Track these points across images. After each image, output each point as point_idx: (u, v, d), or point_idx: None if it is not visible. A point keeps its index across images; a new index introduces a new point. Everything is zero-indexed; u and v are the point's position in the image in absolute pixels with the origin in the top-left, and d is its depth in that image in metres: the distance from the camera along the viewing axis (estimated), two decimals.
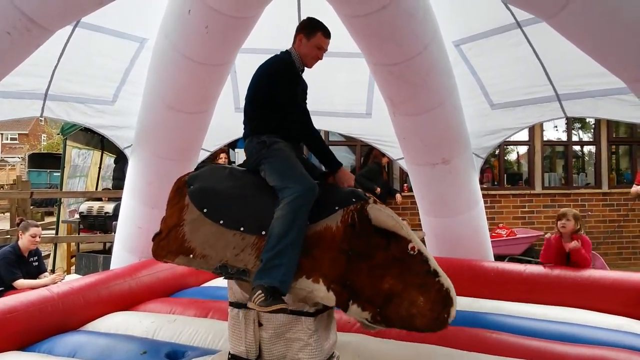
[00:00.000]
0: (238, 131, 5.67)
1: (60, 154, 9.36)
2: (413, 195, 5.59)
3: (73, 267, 7.74)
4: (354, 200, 2.69)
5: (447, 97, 4.59)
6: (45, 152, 28.09)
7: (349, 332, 3.48)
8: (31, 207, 12.03)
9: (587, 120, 9.25)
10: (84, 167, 9.65)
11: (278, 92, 2.93)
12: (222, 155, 6.62)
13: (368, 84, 5.59)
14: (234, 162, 7.92)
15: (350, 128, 6.21)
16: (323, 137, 8.92)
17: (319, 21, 3.10)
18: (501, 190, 8.84)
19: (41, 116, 4.87)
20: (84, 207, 7.80)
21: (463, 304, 4.16)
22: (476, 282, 4.51)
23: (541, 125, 8.70)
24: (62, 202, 8.92)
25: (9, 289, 4.61)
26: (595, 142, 9.17)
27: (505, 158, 9.47)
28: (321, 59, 3.15)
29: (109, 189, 8.97)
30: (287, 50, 3.12)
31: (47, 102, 4.76)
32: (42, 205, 17.18)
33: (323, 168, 3.19)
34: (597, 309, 3.93)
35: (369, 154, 8.28)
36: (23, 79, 4.42)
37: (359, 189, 2.83)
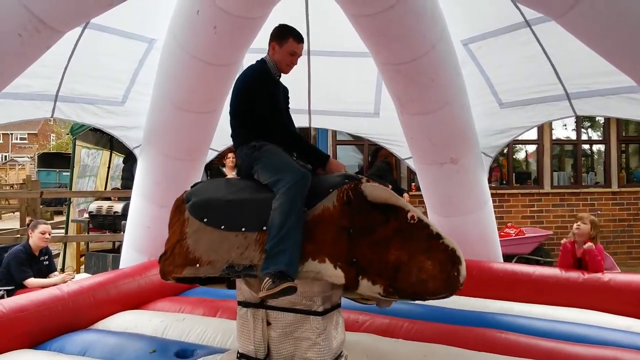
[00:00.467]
0: None
1: (70, 154, 9.42)
2: (421, 195, 5.58)
3: (82, 266, 7.80)
4: (346, 181, 2.73)
5: (456, 96, 4.57)
6: (55, 151, 28.31)
7: (357, 332, 3.49)
8: (41, 206, 12.12)
9: (597, 118, 9.19)
10: (93, 167, 9.72)
11: (256, 100, 3.01)
12: (230, 154, 6.63)
13: (376, 83, 5.59)
14: None
15: (358, 127, 6.21)
16: (330, 137, 8.92)
17: (290, 27, 3.16)
18: (510, 189, 8.80)
19: (52, 117, 4.91)
20: (93, 206, 7.86)
21: (472, 304, 4.16)
22: (485, 283, 4.49)
23: (550, 123, 8.65)
24: (72, 202, 8.99)
25: (19, 287, 4.65)
26: (605, 140, 9.11)
27: (514, 157, 9.42)
28: (295, 64, 3.20)
29: (118, 189, 9.03)
30: (262, 59, 3.18)
31: (58, 103, 4.80)
32: (51, 205, 17.33)
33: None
34: (606, 310, 3.91)
35: (375, 153, 8.26)
36: (33, 81, 4.45)
37: (351, 173, 2.89)
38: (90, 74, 4.86)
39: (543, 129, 8.74)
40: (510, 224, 8.18)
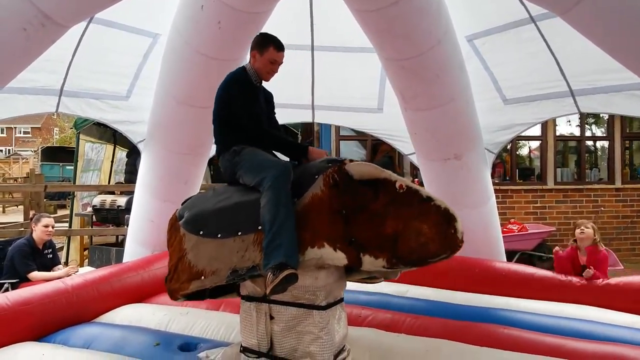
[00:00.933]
0: None
1: (73, 148, 9.45)
2: None
3: (86, 260, 7.84)
4: (330, 164, 2.76)
5: (460, 92, 4.57)
6: (58, 145, 28.36)
7: (360, 327, 3.50)
8: (44, 200, 12.16)
9: (601, 115, 9.16)
10: (97, 161, 9.74)
11: (232, 105, 3.04)
12: None
13: (379, 78, 5.58)
14: None
15: (362, 123, 6.21)
16: (333, 132, 8.92)
17: (271, 36, 3.18)
18: (513, 185, 8.79)
19: (57, 112, 4.93)
20: (97, 200, 7.89)
21: (475, 299, 4.17)
22: (488, 282, 4.50)
23: (554, 120, 8.63)
24: (76, 196, 9.01)
25: (23, 280, 4.67)
26: (609, 137, 9.09)
27: (517, 153, 9.41)
28: (276, 71, 3.22)
29: (122, 183, 9.05)
30: (242, 67, 3.22)
31: (63, 98, 4.82)
32: (55, 199, 17.36)
33: None
34: (609, 307, 3.92)
35: (376, 149, 8.29)
36: (39, 75, 4.46)
37: (333, 157, 2.92)
38: (94, 68, 4.87)
39: (547, 125, 8.72)
40: (513, 220, 8.17)
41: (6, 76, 3.21)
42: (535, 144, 9.27)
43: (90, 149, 9.47)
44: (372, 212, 2.61)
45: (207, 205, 2.96)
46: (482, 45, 4.89)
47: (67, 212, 10.44)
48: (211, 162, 6.88)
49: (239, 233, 2.77)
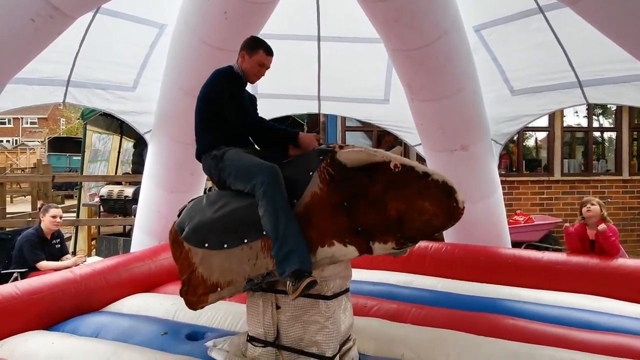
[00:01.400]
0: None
1: (80, 138, 9.49)
2: None
3: (94, 250, 7.90)
4: (321, 157, 2.72)
5: (467, 83, 4.55)
6: (65, 136, 28.45)
7: (365, 317, 3.52)
8: (52, 190, 12.23)
9: (609, 106, 9.10)
10: (105, 152, 9.79)
11: (221, 99, 2.99)
12: None
13: (386, 69, 5.56)
14: None
15: (368, 114, 6.19)
16: (339, 123, 8.88)
17: (261, 39, 3.20)
18: (519, 176, 8.76)
19: (63, 102, 4.95)
20: (104, 190, 7.93)
21: (480, 289, 4.18)
22: (494, 269, 4.51)
23: (562, 111, 8.57)
24: (83, 186, 9.07)
25: (32, 270, 4.72)
26: (616, 128, 9.02)
27: (525, 144, 9.36)
28: (263, 75, 3.22)
29: (129, 173, 9.09)
30: (229, 65, 3.18)
31: (70, 88, 4.83)
32: (62, 189, 17.47)
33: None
34: (617, 296, 3.91)
35: (380, 140, 8.30)
36: (46, 66, 4.48)
37: (322, 146, 2.87)
38: (101, 59, 4.88)
39: (554, 116, 8.66)
40: (519, 211, 8.15)
41: (15, 67, 3.23)
42: (542, 135, 9.21)
43: (98, 140, 9.51)
44: (372, 197, 2.60)
45: (206, 216, 2.89)
46: (489, 35, 4.86)
47: (75, 202, 10.51)
48: None
49: (245, 241, 2.74)
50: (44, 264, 4.78)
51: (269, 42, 3.24)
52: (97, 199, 8.31)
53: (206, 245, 2.83)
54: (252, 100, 3.33)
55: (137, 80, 5.15)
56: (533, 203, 8.61)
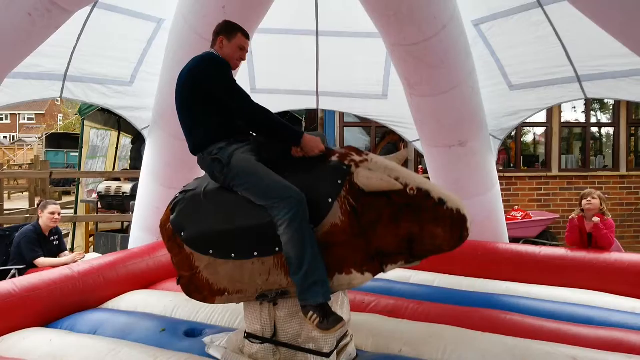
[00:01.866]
0: None
1: (78, 134, 9.47)
2: (428, 177, 5.58)
3: (92, 247, 7.89)
4: (340, 182, 2.62)
5: (465, 78, 4.54)
6: (63, 132, 28.40)
7: (363, 312, 3.52)
8: (49, 186, 12.21)
9: (606, 101, 9.10)
10: (103, 148, 9.77)
11: (211, 85, 2.75)
12: None
13: (384, 64, 5.55)
14: None
15: (366, 109, 6.19)
16: (337, 119, 8.89)
17: (235, 23, 3.02)
18: (517, 172, 8.77)
19: (60, 97, 4.93)
20: (102, 187, 7.92)
21: (477, 285, 4.18)
22: (491, 264, 4.51)
23: (559, 106, 8.57)
24: (81, 182, 9.05)
25: (30, 267, 4.71)
26: (614, 123, 9.02)
27: (522, 140, 9.37)
28: (244, 59, 3.05)
29: (127, 169, 9.08)
30: (209, 51, 2.96)
31: (67, 83, 4.82)
32: (59, 185, 17.44)
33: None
34: (612, 291, 3.92)
35: (383, 136, 8.32)
36: (43, 60, 4.47)
37: (333, 160, 2.70)
38: (98, 53, 4.87)
39: (552, 111, 8.67)
40: (517, 207, 8.17)
41: (12, 62, 3.21)
42: (540, 130, 9.22)
43: (95, 136, 9.49)
44: (388, 219, 2.59)
45: (209, 222, 2.71)
46: (488, 30, 4.86)
47: (72, 198, 10.49)
48: None
49: (255, 254, 2.63)
50: (42, 260, 4.77)
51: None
52: (94, 195, 8.30)
53: (211, 252, 2.70)
54: None
55: (135, 75, 5.14)
56: (531, 199, 8.62)
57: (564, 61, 4.65)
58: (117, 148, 10.00)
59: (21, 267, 4.69)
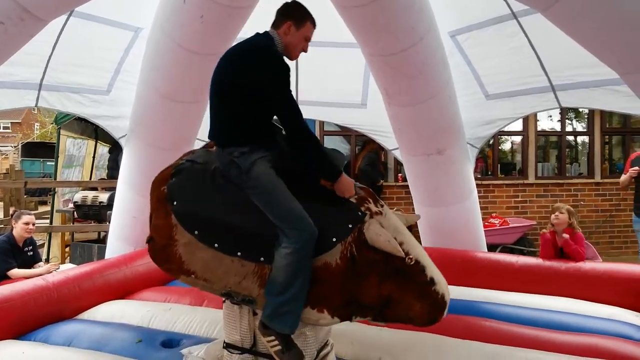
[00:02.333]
0: None
1: (54, 143, 9.32)
2: (408, 185, 5.62)
3: (68, 257, 7.75)
4: (350, 227, 2.56)
5: (442, 88, 4.60)
6: (39, 141, 27.93)
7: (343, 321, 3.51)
8: (25, 196, 11.98)
9: (581, 110, 9.29)
10: (79, 157, 9.63)
11: (267, 88, 2.52)
12: None
13: (363, 74, 5.59)
14: None
15: (346, 118, 6.22)
16: (317, 127, 8.91)
17: (305, 7, 2.74)
18: (495, 180, 8.88)
19: (36, 106, 4.86)
20: (79, 196, 7.79)
21: (458, 292, 4.21)
22: (469, 273, 4.55)
23: (535, 115, 8.72)
24: (57, 192, 8.90)
25: (3, 278, 4.60)
26: (589, 132, 9.21)
27: (500, 148, 9.50)
28: (306, 51, 2.77)
29: (104, 179, 8.96)
30: (268, 34, 2.68)
31: (42, 92, 4.76)
32: (35, 195, 17.13)
33: None
34: (589, 298, 3.98)
35: (364, 145, 8.36)
36: (17, 69, 4.41)
37: (353, 204, 2.63)
38: (74, 62, 4.81)
39: (528, 120, 8.81)
40: (494, 214, 8.26)
41: None
42: (518, 138, 9.36)
43: (72, 145, 9.35)
44: (377, 275, 2.57)
45: (207, 205, 2.65)
46: (464, 41, 4.93)
47: (49, 208, 10.30)
48: None
49: (239, 254, 2.58)
50: (15, 271, 4.66)
51: None
52: (71, 205, 8.17)
53: (196, 233, 2.62)
54: None
55: (112, 84, 5.09)
56: (508, 206, 8.73)
57: (538, 71, 4.73)
58: (94, 157, 9.87)
59: None
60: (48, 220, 8.77)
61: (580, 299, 3.98)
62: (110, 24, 4.67)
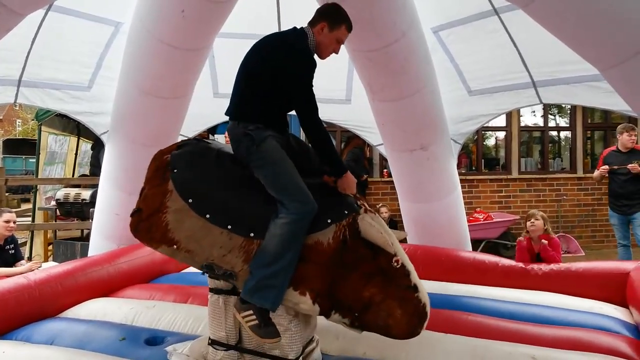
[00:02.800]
0: (217, 117, 5.66)
1: (36, 140, 9.20)
2: (392, 181, 5.64)
3: (50, 255, 7.67)
4: (346, 212, 2.62)
5: (425, 84, 4.61)
6: (21, 137, 27.56)
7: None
8: (6, 194, 11.81)
9: (564, 105, 9.39)
10: (61, 154, 9.51)
11: (296, 83, 2.66)
12: None
13: (347, 70, 5.59)
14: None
15: (330, 114, 6.19)
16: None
17: (344, 11, 2.85)
18: (479, 175, 8.95)
19: (15, 102, 4.79)
20: (61, 194, 7.70)
21: (440, 287, 4.24)
22: (453, 271, 4.58)
23: (518, 110, 8.80)
24: (39, 189, 8.79)
25: None
26: (571, 127, 9.32)
27: (484, 143, 9.58)
28: (337, 53, 2.90)
29: (86, 175, 8.86)
30: (303, 31, 2.80)
31: (21, 88, 4.68)
32: (18, 192, 16.91)
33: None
34: (569, 293, 4.03)
35: (348, 141, 8.37)
36: None
37: (351, 198, 2.73)
38: (54, 58, 4.74)
39: (511, 115, 8.89)
40: (478, 209, 8.33)
41: None
42: (502, 134, 9.44)
43: (54, 141, 9.23)
44: (362, 272, 2.57)
45: (207, 176, 2.71)
46: (447, 37, 4.95)
47: (31, 206, 10.17)
48: None
49: (229, 227, 2.59)
50: None
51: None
52: (53, 203, 8.07)
53: (190, 201, 2.64)
54: None
55: (93, 79, 5.03)
56: (492, 201, 8.81)
57: (520, 67, 4.77)
58: (76, 154, 9.75)
59: None
60: (30, 218, 8.66)
61: (562, 293, 4.03)
62: (89, 19, 4.61)
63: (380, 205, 7.68)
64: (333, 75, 5.72)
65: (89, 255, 4.99)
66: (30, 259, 6.92)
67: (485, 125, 5.77)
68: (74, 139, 9.65)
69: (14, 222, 4.90)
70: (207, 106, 5.28)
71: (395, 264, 2.56)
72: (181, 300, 3.90)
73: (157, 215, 2.68)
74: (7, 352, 2.96)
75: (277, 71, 2.67)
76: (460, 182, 5.53)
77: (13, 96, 4.68)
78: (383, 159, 8.26)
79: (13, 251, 4.96)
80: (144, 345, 3.16)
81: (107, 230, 5.02)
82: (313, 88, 2.70)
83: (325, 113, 6.20)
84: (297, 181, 2.59)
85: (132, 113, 4.69)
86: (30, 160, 19.83)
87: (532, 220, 4.56)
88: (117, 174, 4.94)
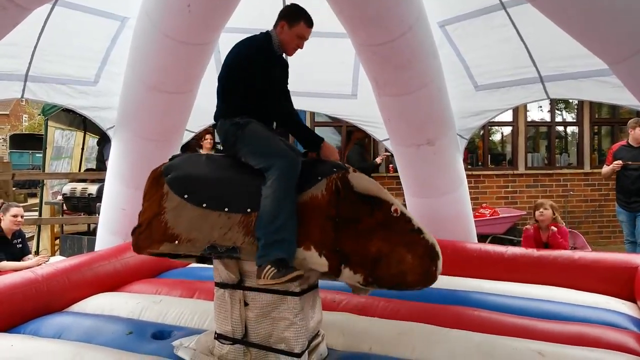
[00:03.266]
0: None
1: (43, 135, 9.24)
2: (398, 176, 5.62)
3: (57, 249, 7.71)
4: (335, 170, 2.71)
5: (432, 78, 4.59)
6: (27, 132, 27.67)
7: (334, 311, 3.53)
8: (13, 188, 11.88)
9: (571, 101, 9.33)
10: (68, 148, 9.54)
11: (254, 74, 2.91)
12: (208, 136, 6.57)
13: (353, 64, 5.57)
14: (219, 143, 7.88)
15: (336, 109, 6.20)
16: (308, 118, 8.91)
17: (302, 9, 3.07)
18: (485, 170, 8.92)
19: (22, 98, 4.80)
20: (67, 188, 7.73)
21: (446, 282, 4.23)
22: (459, 262, 4.57)
23: (525, 106, 8.75)
24: (45, 184, 8.83)
25: None
26: (578, 122, 9.26)
27: (490, 138, 9.54)
28: (302, 48, 3.11)
29: (92, 169, 8.90)
30: (267, 32, 3.07)
31: (28, 83, 4.69)
32: (25, 187, 16.99)
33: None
34: (576, 287, 4.01)
35: (349, 135, 8.33)
36: (2, 60, 4.35)
37: (338, 163, 2.86)
38: (60, 53, 4.75)
39: (518, 110, 8.84)
40: (485, 204, 8.30)
41: None
42: (508, 129, 9.40)
43: (60, 136, 9.26)
44: (363, 228, 2.62)
45: (199, 171, 2.87)
46: (454, 31, 4.92)
47: (37, 200, 10.23)
48: (185, 149, 6.81)
49: (226, 209, 2.70)
50: (3, 264, 4.65)
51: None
52: (59, 197, 8.10)
53: (186, 196, 2.78)
54: (284, 69, 3.18)
55: (99, 74, 5.03)
56: (498, 196, 8.78)
57: (527, 62, 4.74)
58: (83, 149, 9.78)
59: None
60: (37, 213, 8.71)
61: (567, 288, 4.02)
62: (96, 14, 4.61)
63: None
64: (339, 70, 5.72)
65: (95, 250, 5.01)
66: (37, 253, 6.97)
67: (492, 120, 5.74)
68: (80, 134, 9.69)
69: (22, 217, 4.93)
70: (213, 102, 5.27)
71: (395, 213, 2.62)
72: (187, 295, 3.92)
73: (157, 219, 2.81)
74: (15, 345, 2.98)
75: (238, 70, 2.97)
76: (466, 177, 5.52)
77: (20, 91, 4.69)
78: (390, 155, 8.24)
79: (21, 245, 5.00)
80: (150, 339, 3.18)
81: (114, 225, 5.03)
82: (270, 75, 2.93)
83: (331, 108, 6.24)
84: (278, 143, 2.82)
85: (138, 108, 4.69)
86: (37, 155, 19.91)
87: (541, 209, 4.58)
88: (123, 168, 4.95)
